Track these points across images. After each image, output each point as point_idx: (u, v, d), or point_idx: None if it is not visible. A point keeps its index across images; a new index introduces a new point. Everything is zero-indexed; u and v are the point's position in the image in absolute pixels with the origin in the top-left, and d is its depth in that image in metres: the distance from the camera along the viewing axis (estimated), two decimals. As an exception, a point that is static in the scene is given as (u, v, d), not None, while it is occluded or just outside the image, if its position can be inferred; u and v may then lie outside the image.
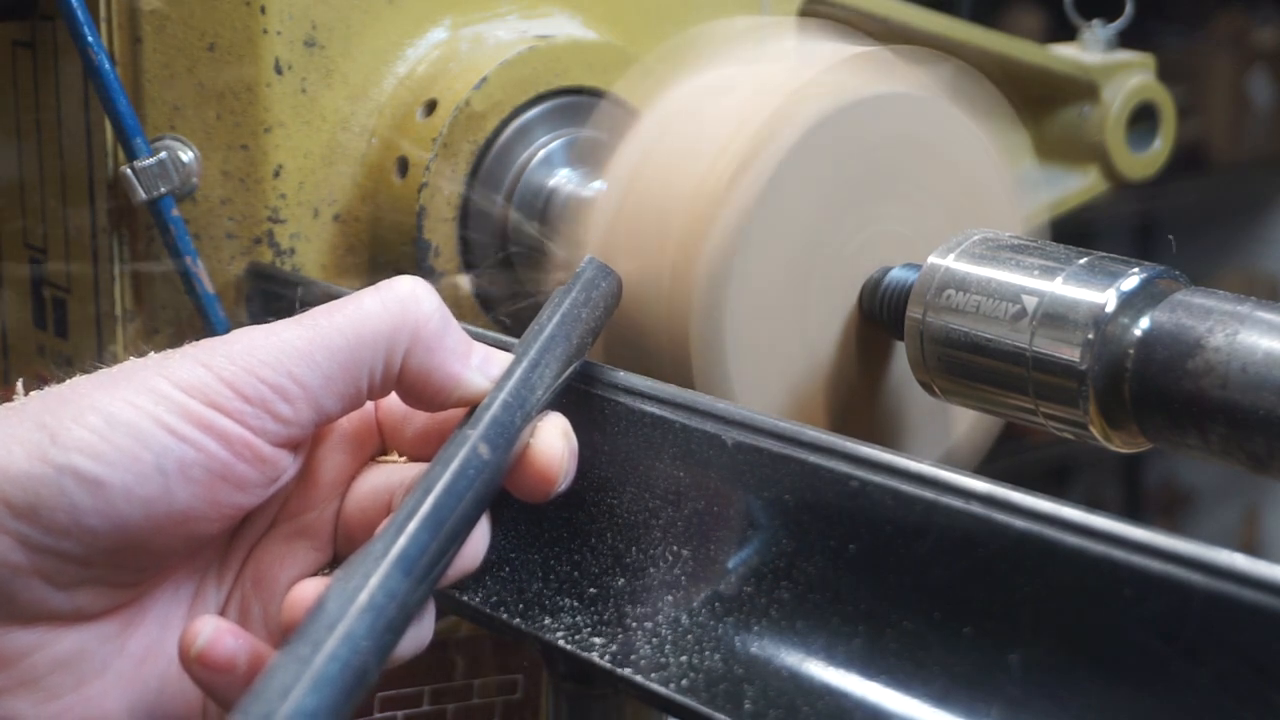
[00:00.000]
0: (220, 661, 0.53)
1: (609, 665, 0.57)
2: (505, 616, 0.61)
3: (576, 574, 0.60)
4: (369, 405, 0.60)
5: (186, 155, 0.81)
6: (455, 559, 0.54)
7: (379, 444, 0.61)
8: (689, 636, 0.56)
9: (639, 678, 0.56)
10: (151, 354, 0.56)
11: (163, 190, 0.79)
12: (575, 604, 0.60)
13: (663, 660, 0.56)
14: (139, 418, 0.52)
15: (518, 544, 0.63)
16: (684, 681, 0.55)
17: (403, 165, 0.82)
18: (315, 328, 0.55)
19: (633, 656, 0.57)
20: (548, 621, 0.60)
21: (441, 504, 0.52)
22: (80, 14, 0.77)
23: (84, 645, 0.55)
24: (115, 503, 0.52)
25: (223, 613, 0.59)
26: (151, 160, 0.79)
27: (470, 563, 0.57)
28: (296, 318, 0.56)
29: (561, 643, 0.59)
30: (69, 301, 0.86)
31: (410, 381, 0.57)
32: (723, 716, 0.53)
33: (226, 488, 0.54)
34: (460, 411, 0.58)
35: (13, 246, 0.91)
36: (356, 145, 0.84)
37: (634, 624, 0.58)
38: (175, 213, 0.79)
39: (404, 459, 0.61)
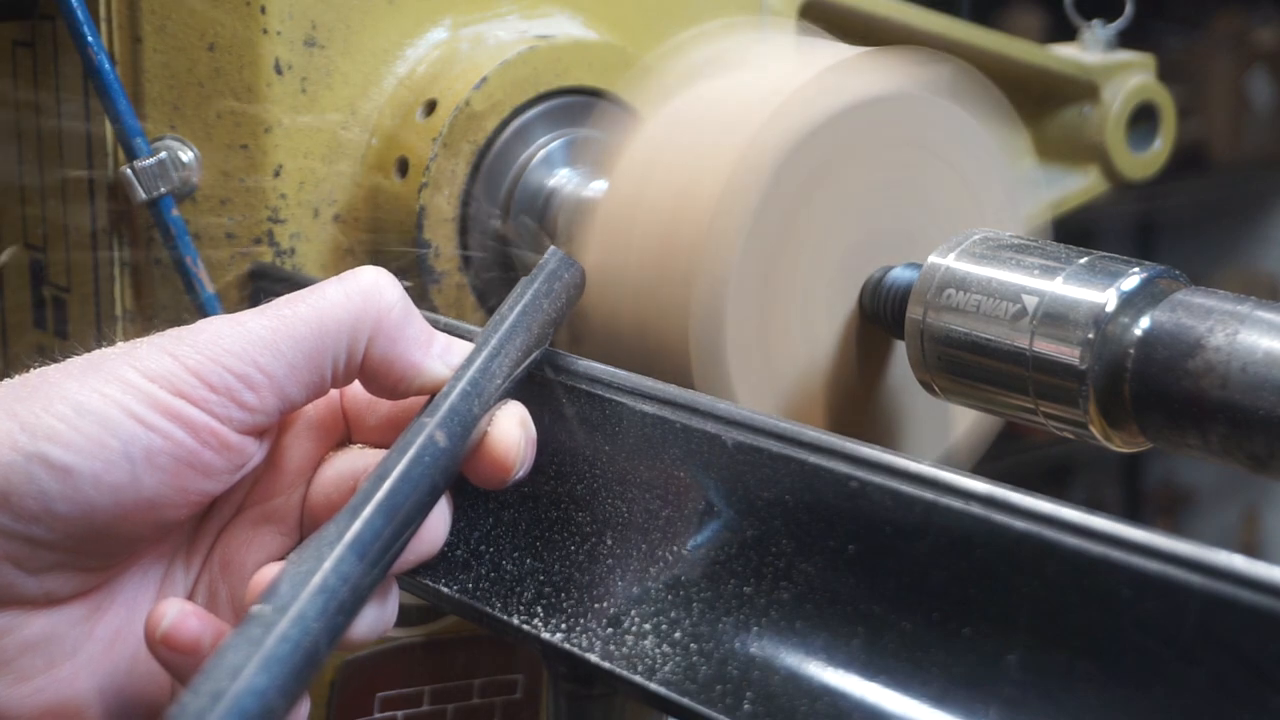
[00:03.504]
0: (185, 643, 0.54)
1: (608, 665, 0.57)
2: (505, 616, 0.61)
3: (577, 574, 0.60)
4: (334, 393, 0.61)
5: (186, 155, 0.81)
6: (412, 544, 0.56)
7: (344, 431, 0.62)
8: (689, 637, 0.56)
9: (639, 678, 0.56)
10: (120, 343, 0.57)
11: (163, 190, 0.79)
12: (575, 604, 0.60)
13: (662, 660, 0.56)
14: (107, 406, 0.53)
15: (518, 544, 0.63)
16: (683, 682, 0.55)
17: (403, 165, 0.82)
18: (280, 317, 0.57)
19: (632, 657, 0.57)
20: (548, 621, 0.60)
21: (396, 490, 0.53)
22: (80, 14, 0.77)
23: (54, 628, 0.56)
24: (84, 489, 0.53)
25: (191, 596, 0.60)
26: (151, 160, 0.79)
27: (429, 548, 0.58)
28: (261, 308, 0.57)
29: (561, 642, 0.59)
30: (69, 301, 0.86)
31: (373, 370, 0.58)
32: (722, 717, 0.53)
33: (193, 474, 0.55)
34: (423, 399, 0.59)
35: (13, 246, 0.91)
36: (356, 145, 0.84)
37: (634, 624, 0.58)
38: (175, 213, 0.80)
39: (361, 446, 0.62)
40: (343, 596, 0.50)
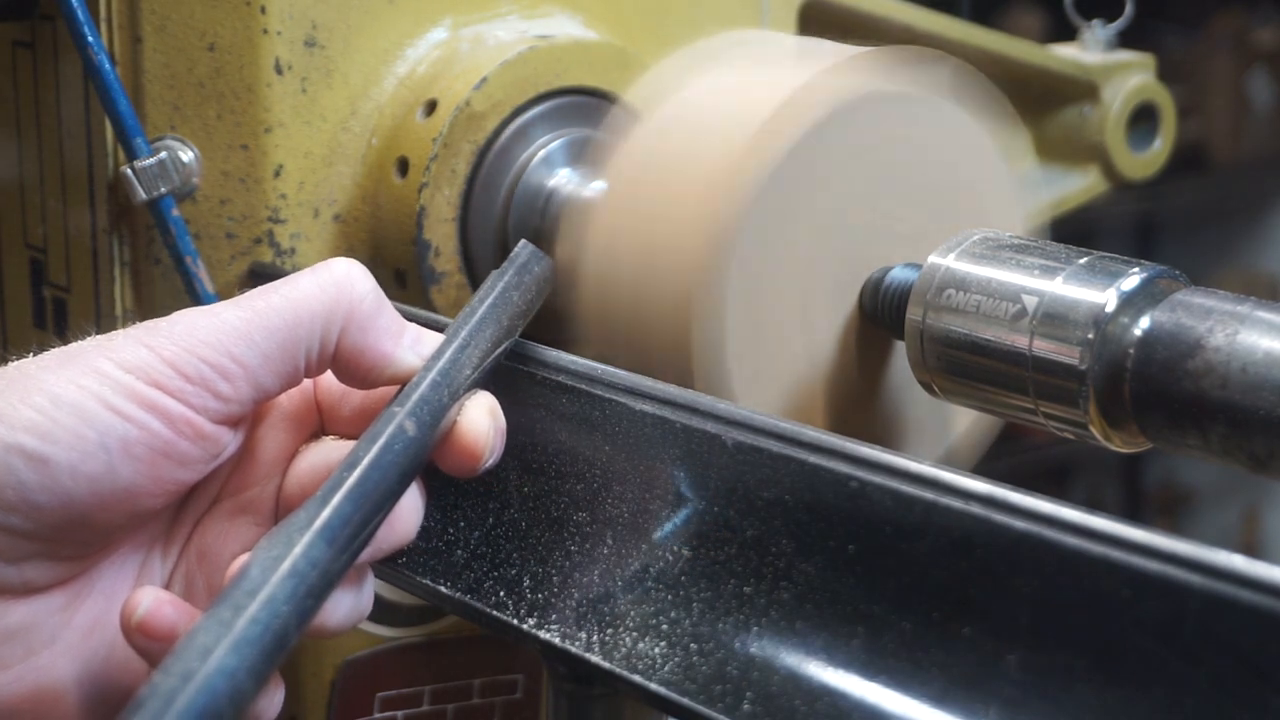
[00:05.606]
0: (160, 630, 0.55)
1: (609, 665, 0.57)
2: (505, 616, 0.61)
3: (577, 574, 0.60)
4: (308, 385, 0.62)
5: (186, 155, 0.81)
6: (384, 532, 0.57)
7: (318, 423, 0.63)
8: (689, 637, 0.56)
9: (638, 678, 0.56)
10: (95, 335, 0.57)
11: (163, 190, 0.79)
12: (576, 604, 0.60)
13: (662, 660, 0.56)
14: (83, 397, 0.54)
15: (518, 544, 0.63)
16: (683, 682, 0.55)
17: (403, 165, 0.82)
18: (254, 309, 0.58)
19: (632, 657, 0.57)
20: (548, 621, 0.60)
21: (365, 477, 0.54)
22: (80, 14, 0.77)
23: (32, 617, 0.57)
24: (61, 479, 0.54)
25: (168, 585, 0.61)
26: (151, 160, 0.79)
27: (401, 537, 0.59)
28: (235, 299, 0.58)
29: (561, 642, 0.59)
30: (69, 301, 0.86)
31: (345, 360, 0.59)
32: (722, 717, 0.53)
33: (169, 464, 0.56)
34: (395, 390, 0.60)
35: (13, 246, 0.91)
36: (356, 145, 0.84)
37: (634, 624, 0.58)
38: (175, 213, 0.79)
39: (335, 437, 0.62)
40: (312, 581, 0.51)
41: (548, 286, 0.66)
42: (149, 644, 0.55)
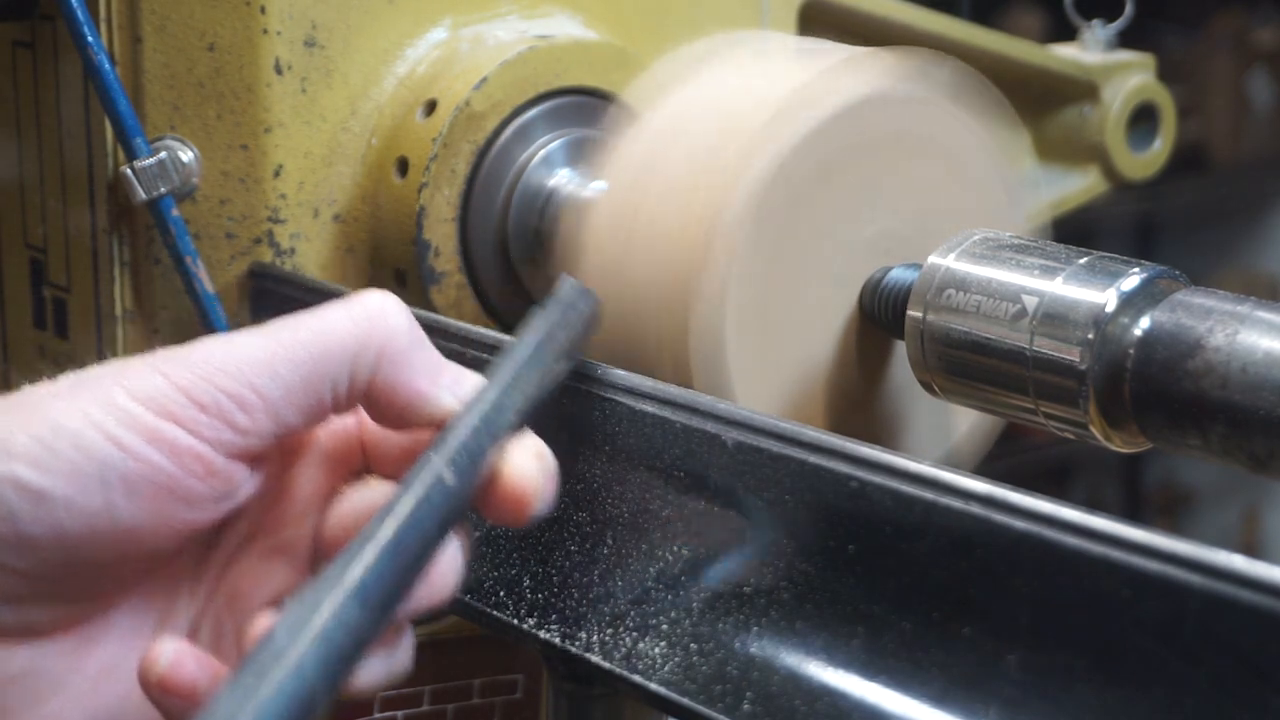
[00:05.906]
0: (181, 687, 0.52)
1: (609, 665, 0.57)
2: (505, 616, 0.61)
3: (577, 574, 0.60)
4: (350, 423, 0.59)
5: (186, 155, 0.81)
6: (421, 589, 0.53)
7: (360, 462, 0.59)
8: (689, 637, 0.56)
9: (638, 678, 0.56)
10: (113, 361, 0.55)
11: (163, 190, 0.79)
12: (575, 604, 0.60)
13: (662, 661, 0.56)
14: (85, 428, 0.51)
15: (517, 544, 0.63)
16: (683, 682, 0.55)
17: (403, 165, 0.82)
18: (278, 339, 0.54)
19: (632, 657, 0.57)
20: (548, 621, 0.60)
21: (402, 532, 0.50)
22: (80, 14, 0.77)
23: (38, 662, 0.54)
24: (56, 514, 0.51)
25: (194, 630, 0.57)
26: (151, 160, 0.79)
27: (440, 593, 0.54)
28: (258, 328, 0.55)
29: (561, 642, 0.59)
30: (69, 301, 0.86)
31: (377, 397, 0.56)
32: (722, 717, 0.53)
33: (175, 502, 0.53)
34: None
35: (13, 246, 0.91)
36: (356, 145, 0.84)
37: (634, 624, 0.58)
38: (175, 213, 0.79)
39: (380, 479, 0.59)
40: (343, 645, 0.47)
41: (594, 324, 0.63)
42: (169, 701, 0.52)
